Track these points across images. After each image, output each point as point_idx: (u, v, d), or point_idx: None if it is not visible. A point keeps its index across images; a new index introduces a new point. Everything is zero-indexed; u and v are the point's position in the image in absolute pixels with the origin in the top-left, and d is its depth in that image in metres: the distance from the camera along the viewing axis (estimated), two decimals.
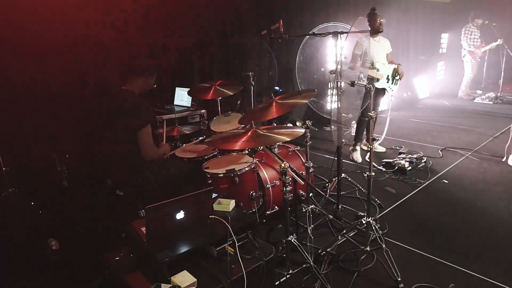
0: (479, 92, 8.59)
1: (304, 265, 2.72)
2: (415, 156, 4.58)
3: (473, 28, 7.95)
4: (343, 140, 4.88)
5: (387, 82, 4.57)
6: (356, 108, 4.52)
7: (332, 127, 3.36)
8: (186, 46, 4.79)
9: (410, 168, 4.37)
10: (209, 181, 3.04)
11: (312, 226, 3.05)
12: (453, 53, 9.27)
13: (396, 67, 4.53)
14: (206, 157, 3.40)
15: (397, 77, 4.56)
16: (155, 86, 3.05)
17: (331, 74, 3.17)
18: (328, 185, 3.96)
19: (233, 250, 2.07)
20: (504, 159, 4.61)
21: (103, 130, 2.95)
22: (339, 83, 3.06)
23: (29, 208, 3.08)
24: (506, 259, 2.80)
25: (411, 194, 3.91)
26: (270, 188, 3.20)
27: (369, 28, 4.21)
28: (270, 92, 5.04)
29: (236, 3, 5.19)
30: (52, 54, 3.65)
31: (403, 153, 4.73)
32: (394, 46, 8.08)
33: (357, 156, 4.95)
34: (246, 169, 3.06)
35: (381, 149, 5.22)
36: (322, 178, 4.30)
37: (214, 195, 2.46)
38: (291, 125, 5.70)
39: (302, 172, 3.23)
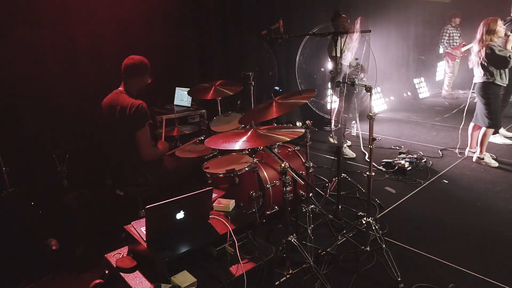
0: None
1: (304, 265, 2.72)
2: (415, 156, 4.58)
3: (451, 29, 8.03)
4: (343, 140, 4.90)
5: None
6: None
7: (332, 127, 3.36)
8: (186, 46, 4.78)
9: (410, 168, 4.37)
10: (209, 181, 3.04)
11: (312, 226, 3.05)
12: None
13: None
14: (206, 157, 3.40)
15: None
16: (150, 81, 3.03)
17: (331, 74, 3.18)
18: (328, 185, 3.96)
19: (233, 250, 2.07)
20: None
21: (103, 131, 2.95)
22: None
23: (29, 208, 3.07)
24: (506, 259, 2.81)
25: (411, 194, 3.91)
26: (270, 188, 3.19)
27: (370, 29, 4.20)
28: (270, 92, 5.03)
29: (236, 3, 5.19)
30: (52, 54, 3.65)
31: (403, 153, 4.73)
32: (395, 46, 8.17)
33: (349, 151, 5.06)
34: (246, 169, 3.06)
35: (350, 154, 5.06)
36: (322, 178, 4.30)
37: (214, 195, 2.46)
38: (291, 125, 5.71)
39: (302, 172, 3.23)
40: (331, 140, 5.59)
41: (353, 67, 4.41)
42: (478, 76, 4.34)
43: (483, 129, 4.43)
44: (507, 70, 4.26)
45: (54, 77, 3.70)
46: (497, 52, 4.11)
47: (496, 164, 4.49)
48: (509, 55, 4.09)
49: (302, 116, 6.32)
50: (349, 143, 5.35)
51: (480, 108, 4.43)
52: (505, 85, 4.39)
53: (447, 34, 8.06)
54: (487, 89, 4.29)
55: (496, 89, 4.30)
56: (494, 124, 4.39)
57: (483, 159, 4.53)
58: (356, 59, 3.87)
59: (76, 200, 3.47)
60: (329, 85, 4.86)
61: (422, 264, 2.79)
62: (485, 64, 4.20)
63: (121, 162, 2.90)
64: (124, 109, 2.77)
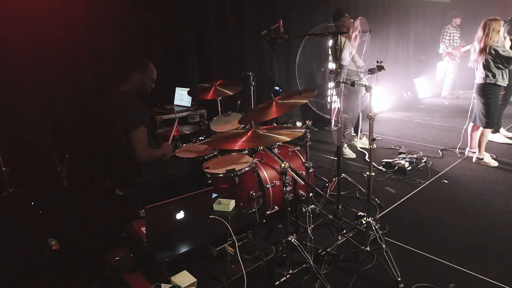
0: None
1: (304, 265, 2.72)
2: (415, 156, 4.58)
3: (451, 29, 8.06)
4: (343, 140, 4.89)
5: None
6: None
7: (332, 127, 3.36)
8: (186, 46, 4.79)
9: (410, 168, 4.37)
10: (209, 181, 3.04)
11: (312, 226, 3.05)
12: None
13: None
14: (206, 157, 3.40)
15: None
16: (153, 86, 3.00)
17: (331, 74, 3.17)
18: (328, 185, 3.96)
19: (233, 250, 2.07)
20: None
21: (103, 131, 2.94)
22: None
23: (29, 208, 3.07)
24: (506, 259, 2.80)
25: (411, 194, 3.91)
26: (270, 188, 3.19)
27: (369, 29, 4.20)
28: (270, 92, 5.03)
29: (236, 3, 5.19)
30: (52, 54, 3.65)
31: (403, 153, 4.73)
32: (395, 46, 8.17)
33: (349, 151, 5.06)
34: (246, 169, 3.06)
35: (350, 154, 5.07)
36: (322, 178, 4.30)
37: (214, 195, 2.46)
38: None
39: (302, 172, 3.23)
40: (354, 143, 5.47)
41: (356, 68, 4.41)
42: (480, 77, 4.33)
43: (481, 129, 4.45)
44: (507, 70, 4.27)
45: (54, 77, 3.69)
46: (501, 52, 4.11)
47: (496, 164, 4.49)
48: None
49: (302, 116, 6.32)
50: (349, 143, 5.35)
51: (479, 108, 4.43)
52: (505, 85, 4.40)
53: (448, 34, 8.08)
54: (488, 89, 4.28)
55: (497, 90, 4.30)
56: (492, 124, 4.40)
57: (482, 159, 4.54)
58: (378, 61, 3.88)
59: (76, 200, 3.47)
60: (330, 84, 4.86)
61: (422, 264, 2.79)
62: (487, 64, 4.19)
63: (121, 162, 2.89)
64: (121, 108, 2.76)
